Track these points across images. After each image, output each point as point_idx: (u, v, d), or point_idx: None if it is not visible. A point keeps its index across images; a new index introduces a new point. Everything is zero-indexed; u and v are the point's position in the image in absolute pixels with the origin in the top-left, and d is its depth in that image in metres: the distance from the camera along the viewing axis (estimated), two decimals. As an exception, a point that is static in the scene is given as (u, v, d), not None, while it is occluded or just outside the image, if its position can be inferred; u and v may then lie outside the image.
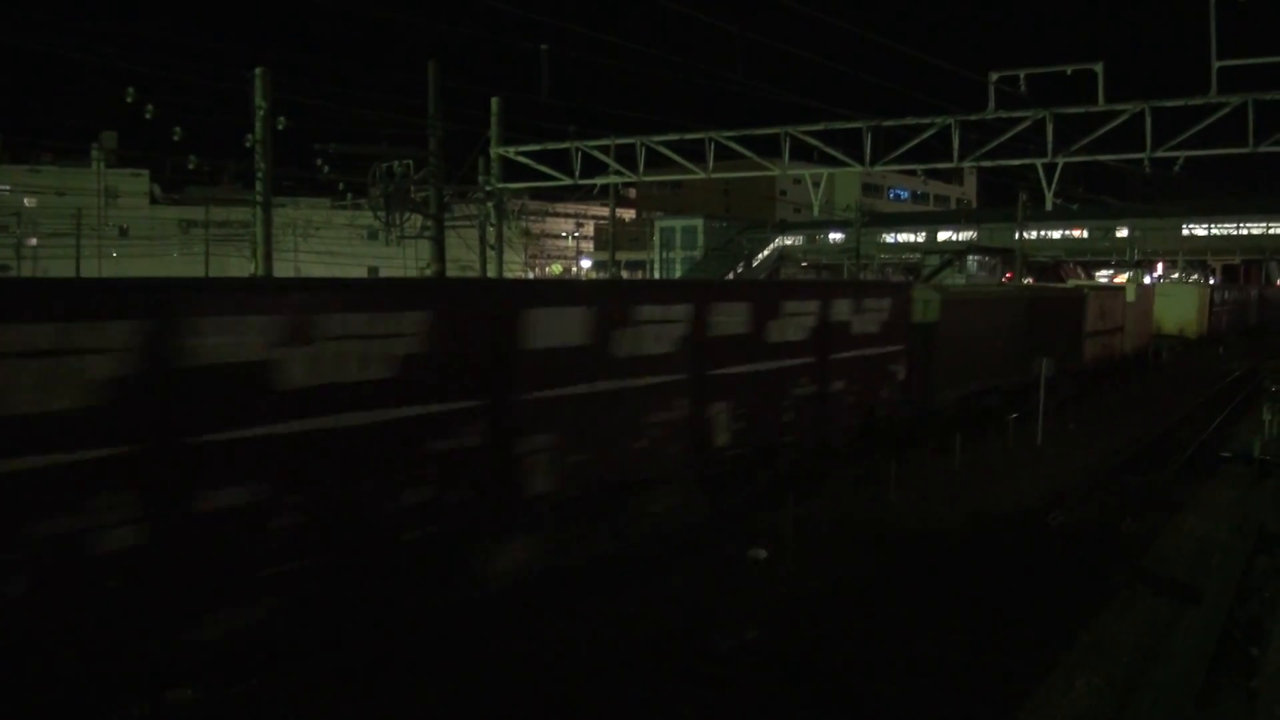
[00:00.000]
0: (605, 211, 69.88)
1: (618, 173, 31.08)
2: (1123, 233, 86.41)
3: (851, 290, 20.22)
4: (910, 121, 26.63)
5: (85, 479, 8.10)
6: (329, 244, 76.01)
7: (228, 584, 9.17)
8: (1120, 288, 39.97)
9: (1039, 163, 26.77)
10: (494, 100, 31.42)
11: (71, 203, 77.20)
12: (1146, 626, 12.37)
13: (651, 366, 14.21)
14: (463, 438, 11.20)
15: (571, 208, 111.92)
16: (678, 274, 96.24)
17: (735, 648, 11.27)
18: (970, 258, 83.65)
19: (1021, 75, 25.41)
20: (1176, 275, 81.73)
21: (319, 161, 30.52)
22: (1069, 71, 25.19)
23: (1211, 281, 78.47)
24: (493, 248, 34.05)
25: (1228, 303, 60.99)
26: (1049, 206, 29.91)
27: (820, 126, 27.78)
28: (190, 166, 32.40)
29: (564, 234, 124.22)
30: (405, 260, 65.58)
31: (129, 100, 25.75)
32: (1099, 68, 24.34)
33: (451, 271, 30.33)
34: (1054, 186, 27.99)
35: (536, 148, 31.54)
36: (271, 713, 9.58)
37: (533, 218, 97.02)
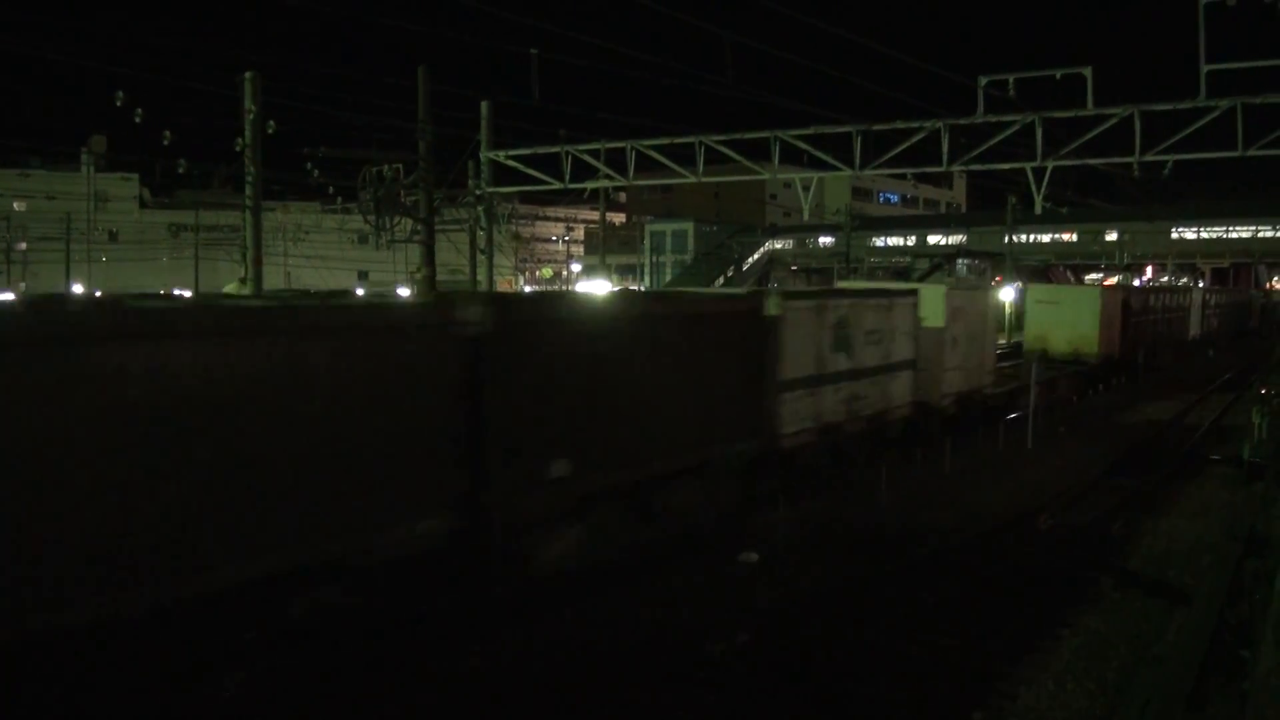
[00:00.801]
0: (595, 215, 69.89)
1: (608, 176, 31.06)
2: (1112, 236, 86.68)
3: None
4: (900, 125, 26.64)
5: None
6: (319, 248, 75.93)
7: None
8: (893, 293, 22.48)
9: (1028, 166, 26.78)
10: (484, 104, 31.40)
11: (61, 207, 76.94)
12: (1137, 629, 12.39)
13: None
14: None
15: (562, 212, 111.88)
16: (668, 278, 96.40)
17: (726, 651, 11.25)
18: (960, 261, 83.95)
19: (1011, 79, 25.42)
20: (1166, 278, 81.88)
21: (309, 165, 30.52)
22: (1058, 76, 25.22)
23: (1135, 284, 69.45)
24: (483, 252, 34.02)
25: (1154, 310, 44.94)
26: (1038, 210, 29.91)
27: (810, 131, 27.78)
28: (180, 170, 32.37)
29: (554, 238, 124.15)
30: (395, 264, 65.65)
31: (119, 104, 25.73)
32: (1088, 72, 24.37)
33: (441, 276, 30.27)
34: (1043, 190, 28.03)
35: (526, 151, 31.50)
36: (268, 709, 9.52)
37: (523, 222, 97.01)
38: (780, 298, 17.66)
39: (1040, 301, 39.24)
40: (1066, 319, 37.29)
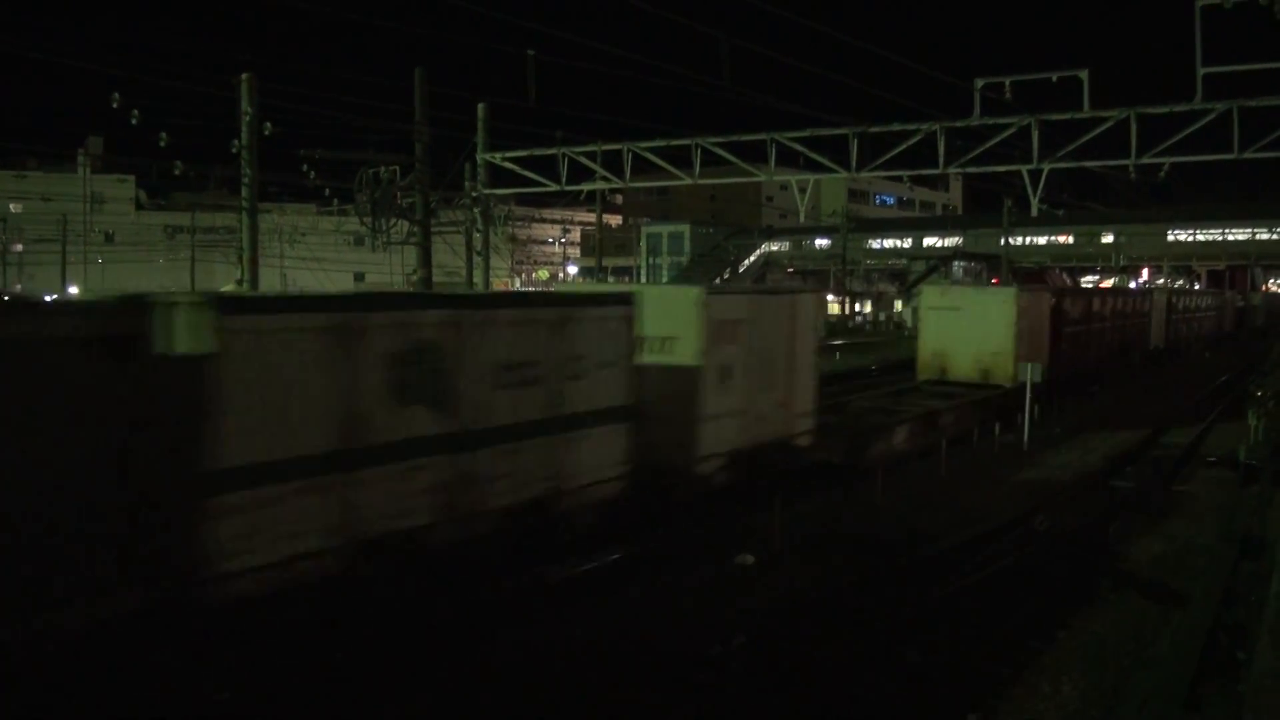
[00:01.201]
0: (592, 217, 69.91)
1: (604, 178, 31.03)
2: (1108, 239, 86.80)
3: None
4: (896, 128, 26.64)
5: None
6: (315, 250, 75.89)
7: None
8: (576, 300, 15.20)
9: (1024, 169, 26.79)
10: (480, 106, 31.39)
11: (57, 208, 76.88)
12: (1133, 630, 12.40)
13: None
14: None
15: (558, 213, 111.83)
16: (665, 280, 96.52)
17: (723, 653, 11.25)
18: (955, 263, 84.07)
19: (1007, 82, 25.41)
20: (1162, 280, 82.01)
21: (305, 167, 30.55)
22: (1054, 78, 25.21)
23: (1071, 283, 64.20)
24: (479, 254, 34.01)
25: (1099, 317, 35.71)
26: (1034, 212, 29.85)
27: (807, 133, 27.77)
28: (176, 172, 32.43)
29: (551, 240, 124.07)
30: (392, 267, 65.70)
31: (115, 105, 25.73)
32: (1084, 74, 24.37)
33: (438, 278, 30.27)
34: (1039, 192, 28.02)
35: (523, 153, 31.48)
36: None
37: (519, 224, 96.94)
38: (208, 314, 9.63)
39: (935, 308, 29.87)
40: (973, 331, 28.52)
